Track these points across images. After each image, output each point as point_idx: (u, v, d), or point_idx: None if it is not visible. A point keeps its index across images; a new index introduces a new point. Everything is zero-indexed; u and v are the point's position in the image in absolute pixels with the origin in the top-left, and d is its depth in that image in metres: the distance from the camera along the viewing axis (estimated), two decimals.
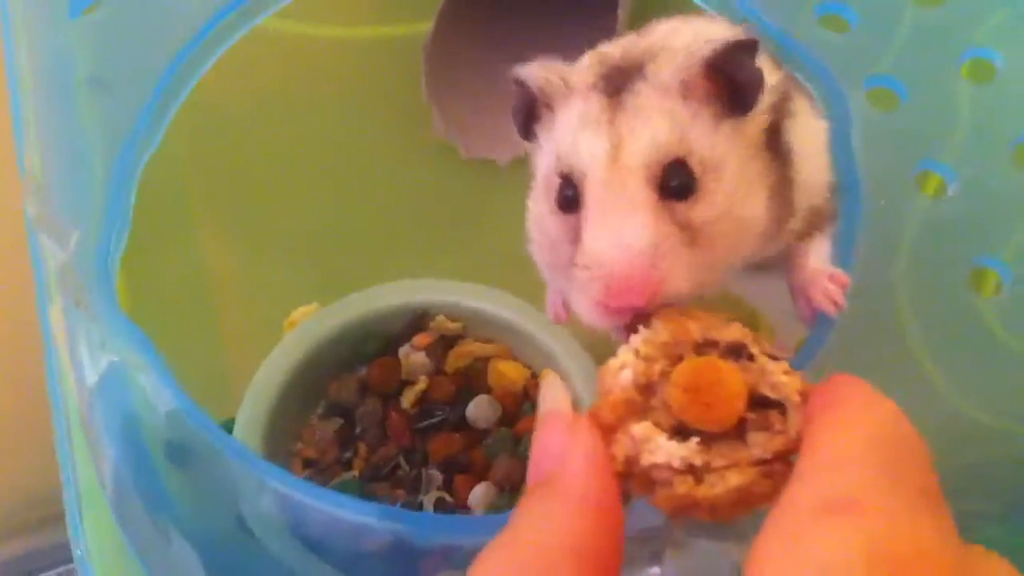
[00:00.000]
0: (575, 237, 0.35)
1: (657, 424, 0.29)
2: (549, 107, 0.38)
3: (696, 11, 0.49)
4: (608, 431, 0.29)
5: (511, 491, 0.53)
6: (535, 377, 0.58)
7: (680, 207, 0.34)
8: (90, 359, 0.41)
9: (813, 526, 0.22)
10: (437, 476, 0.55)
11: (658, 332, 0.31)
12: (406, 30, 0.80)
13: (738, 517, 0.29)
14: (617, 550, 0.27)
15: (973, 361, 0.41)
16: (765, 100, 0.37)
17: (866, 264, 0.41)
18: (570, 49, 0.41)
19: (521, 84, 0.39)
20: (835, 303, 0.39)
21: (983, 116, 0.42)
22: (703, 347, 0.31)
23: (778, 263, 0.42)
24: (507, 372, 0.58)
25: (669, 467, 0.28)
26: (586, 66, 0.39)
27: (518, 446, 0.55)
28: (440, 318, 0.59)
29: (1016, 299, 0.41)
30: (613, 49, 0.40)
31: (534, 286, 0.45)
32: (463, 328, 0.59)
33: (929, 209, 0.41)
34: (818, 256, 0.41)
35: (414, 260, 0.72)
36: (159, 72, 0.44)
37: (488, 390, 0.58)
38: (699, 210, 0.34)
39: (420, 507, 0.54)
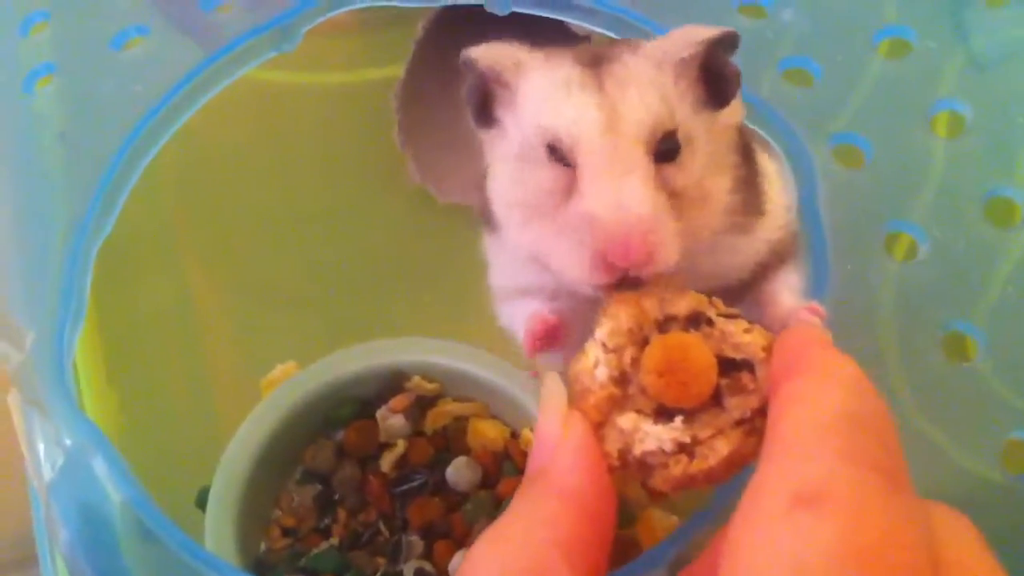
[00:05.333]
0: (567, 190, 0.35)
1: (639, 411, 0.30)
2: (505, 84, 0.39)
3: None
4: (595, 428, 0.30)
5: None
6: (514, 437, 0.57)
7: (668, 170, 0.34)
8: (46, 454, 0.41)
9: (785, 519, 0.23)
10: (418, 543, 0.54)
11: (620, 320, 0.32)
12: (382, 74, 0.79)
13: (733, 476, 0.30)
14: (605, 543, 0.28)
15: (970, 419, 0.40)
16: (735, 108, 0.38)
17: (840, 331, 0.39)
18: None
19: (471, 66, 0.39)
20: None
21: (952, 171, 0.41)
22: (664, 324, 0.32)
23: (747, 295, 0.42)
24: (486, 431, 0.57)
25: (661, 451, 0.29)
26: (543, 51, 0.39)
27: (497, 510, 0.54)
28: (416, 379, 0.57)
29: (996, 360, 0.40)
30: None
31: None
32: (440, 388, 0.58)
33: (900, 272, 0.40)
34: (790, 290, 0.41)
35: (395, 307, 0.71)
36: (109, 156, 0.43)
37: (467, 450, 0.57)
38: (680, 175, 0.35)
39: None
